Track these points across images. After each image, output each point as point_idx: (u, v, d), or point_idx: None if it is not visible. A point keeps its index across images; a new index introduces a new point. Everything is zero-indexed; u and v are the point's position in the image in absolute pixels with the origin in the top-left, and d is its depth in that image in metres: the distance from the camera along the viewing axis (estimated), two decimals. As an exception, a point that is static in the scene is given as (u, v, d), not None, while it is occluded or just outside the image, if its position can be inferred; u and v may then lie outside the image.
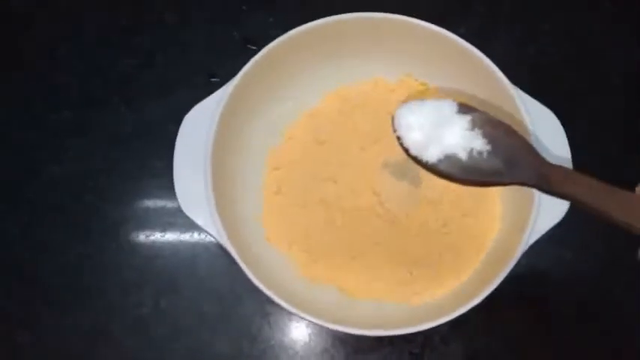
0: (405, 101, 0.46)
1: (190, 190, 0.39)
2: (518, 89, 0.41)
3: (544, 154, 0.39)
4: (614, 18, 0.55)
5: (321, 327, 0.45)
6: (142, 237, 0.48)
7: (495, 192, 0.44)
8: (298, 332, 0.46)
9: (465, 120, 0.34)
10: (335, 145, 0.46)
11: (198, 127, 0.40)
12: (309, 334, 0.46)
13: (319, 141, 0.46)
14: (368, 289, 0.43)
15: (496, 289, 0.37)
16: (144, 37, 0.53)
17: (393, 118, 0.36)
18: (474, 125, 0.34)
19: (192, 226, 0.42)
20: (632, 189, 0.33)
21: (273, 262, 0.43)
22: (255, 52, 0.41)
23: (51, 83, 0.52)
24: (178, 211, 0.39)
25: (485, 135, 0.34)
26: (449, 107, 0.35)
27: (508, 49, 0.52)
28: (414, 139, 0.34)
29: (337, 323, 0.36)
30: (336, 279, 0.43)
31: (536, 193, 0.38)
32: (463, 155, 0.33)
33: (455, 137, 0.34)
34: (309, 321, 0.37)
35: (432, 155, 0.34)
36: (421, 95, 0.47)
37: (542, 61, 0.53)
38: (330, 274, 0.43)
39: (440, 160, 0.34)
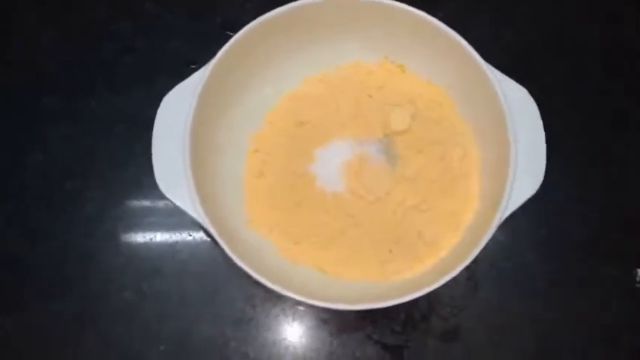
0: (383, 84, 0.47)
1: (170, 172, 0.39)
2: (493, 68, 0.42)
3: (518, 133, 0.40)
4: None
5: (304, 308, 0.46)
6: (125, 223, 0.48)
7: (474, 169, 0.45)
8: (282, 314, 0.46)
9: None
10: (315, 126, 0.46)
11: (176, 109, 0.40)
12: (292, 316, 0.46)
13: (299, 122, 0.46)
14: (349, 268, 0.43)
15: (474, 264, 0.37)
16: (124, 25, 0.54)
17: None
18: None
19: (173, 210, 0.42)
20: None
21: (255, 244, 0.43)
22: (233, 38, 0.42)
23: (33, 70, 0.52)
24: (160, 196, 0.40)
25: None
26: None
27: (485, 32, 0.53)
28: None
29: (318, 299, 0.37)
30: (318, 260, 0.43)
31: (511, 168, 0.39)
32: None
33: None
34: (292, 298, 0.37)
35: None
36: (399, 77, 0.47)
37: (518, 42, 0.54)
38: (311, 255, 0.44)
39: None
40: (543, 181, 0.39)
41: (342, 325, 0.46)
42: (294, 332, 0.46)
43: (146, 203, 0.49)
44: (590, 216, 0.49)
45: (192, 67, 0.50)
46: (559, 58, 0.53)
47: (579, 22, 0.55)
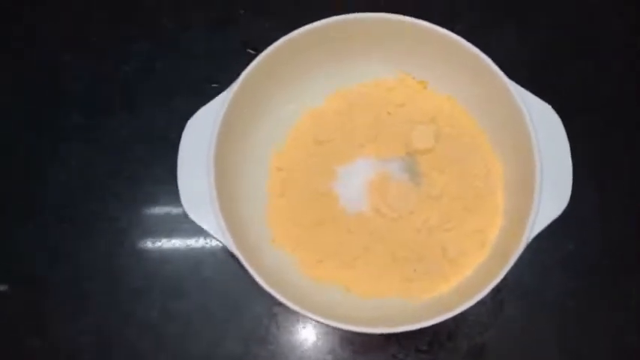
0: (404, 101, 0.47)
1: (195, 195, 0.39)
2: (516, 84, 0.41)
3: (543, 150, 0.39)
4: (613, 7, 0.55)
5: (328, 327, 0.45)
6: (148, 243, 0.48)
7: (497, 186, 0.44)
8: (305, 333, 0.46)
9: None
10: (336, 144, 0.46)
11: (200, 132, 0.40)
12: (317, 334, 0.46)
13: (320, 141, 0.46)
14: (373, 287, 0.43)
15: (501, 283, 0.37)
16: (143, 43, 0.54)
17: None
18: None
19: (197, 230, 0.42)
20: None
21: (279, 263, 0.43)
22: (254, 57, 0.42)
23: (55, 89, 0.53)
24: (183, 216, 0.40)
25: None
26: None
27: (505, 45, 0.52)
28: None
29: (343, 322, 0.37)
30: (342, 278, 0.43)
31: (537, 185, 0.38)
32: None
33: None
34: (316, 320, 0.37)
35: None
36: (420, 94, 0.47)
37: (539, 55, 0.53)
38: (335, 273, 0.43)
39: None
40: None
41: (367, 345, 0.46)
42: (317, 351, 0.46)
43: (169, 224, 0.49)
44: (616, 230, 0.48)
45: (214, 86, 0.51)
46: (581, 72, 0.53)
47: (602, 33, 0.54)
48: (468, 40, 0.42)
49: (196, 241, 0.48)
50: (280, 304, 0.37)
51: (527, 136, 0.40)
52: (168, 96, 0.51)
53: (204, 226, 0.39)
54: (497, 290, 0.46)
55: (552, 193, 0.39)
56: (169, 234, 0.49)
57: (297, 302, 0.37)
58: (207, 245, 0.48)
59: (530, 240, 0.38)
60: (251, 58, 0.42)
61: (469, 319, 0.46)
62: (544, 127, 0.40)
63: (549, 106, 0.41)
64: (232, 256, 0.38)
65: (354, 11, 0.43)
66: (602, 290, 0.47)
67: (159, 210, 0.49)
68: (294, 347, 0.46)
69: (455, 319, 0.43)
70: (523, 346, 0.46)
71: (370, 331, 0.37)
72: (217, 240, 0.39)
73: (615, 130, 0.51)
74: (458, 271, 0.42)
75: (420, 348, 0.45)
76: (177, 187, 0.40)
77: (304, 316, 0.37)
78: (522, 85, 0.42)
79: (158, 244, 0.48)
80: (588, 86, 0.52)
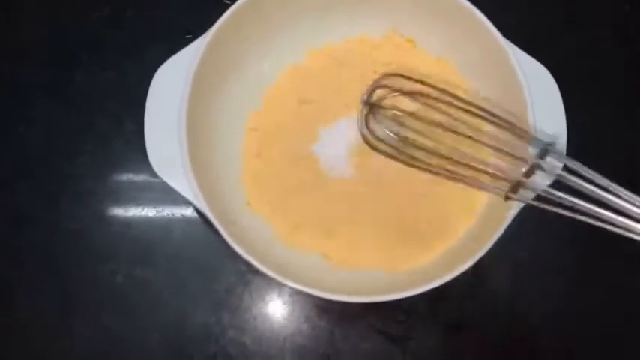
0: (391, 60, 0.44)
1: (164, 152, 0.37)
2: (512, 45, 0.39)
3: (537, 112, 0.37)
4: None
5: (304, 295, 0.44)
6: (115, 205, 0.46)
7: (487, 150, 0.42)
8: (280, 301, 0.45)
9: None
10: (318, 104, 0.44)
11: (170, 84, 0.37)
12: (292, 302, 0.45)
13: (302, 100, 0.44)
14: (353, 256, 0.41)
15: (485, 254, 0.35)
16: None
17: None
18: None
19: (167, 192, 0.40)
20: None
21: (254, 228, 0.41)
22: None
23: (17, 40, 0.49)
24: (152, 176, 0.37)
25: None
26: None
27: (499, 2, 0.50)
28: None
29: (320, 289, 0.35)
30: (320, 246, 0.41)
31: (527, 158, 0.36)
32: None
33: None
34: (291, 287, 0.35)
35: None
36: (408, 53, 0.44)
37: (534, 13, 0.51)
38: (313, 240, 0.42)
39: None
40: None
41: (344, 314, 0.44)
42: (293, 320, 0.44)
43: (138, 183, 0.46)
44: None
45: (188, 37, 0.47)
46: (576, 32, 0.51)
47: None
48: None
49: (166, 204, 0.46)
50: (255, 271, 0.35)
51: (523, 100, 0.38)
52: (139, 48, 0.48)
53: (174, 185, 0.36)
54: (480, 260, 0.45)
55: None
56: (137, 196, 0.46)
57: (273, 268, 0.35)
58: (178, 209, 0.46)
59: (518, 211, 0.36)
60: (227, 8, 0.39)
61: (449, 289, 0.44)
62: (539, 89, 0.38)
63: (545, 68, 0.39)
64: (205, 221, 0.36)
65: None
66: (592, 264, 0.46)
67: (127, 170, 0.47)
68: (268, 316, 0.44)
69: (436, 288, 0.41)
70: (505, 319, 0.45)
71: (346, 299, 0.35)
72: (189, 202, 0.37)
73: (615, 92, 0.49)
74: (441, 242, 0.41)
75: (399, 318, 0.44)
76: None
77: (280, 283, 0.35)
78: (515, 44, 0.39)
79: (125, 206, 0.46)
80: (585, 49, 0.50)
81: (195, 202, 0.36)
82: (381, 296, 0.35)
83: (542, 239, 0.46)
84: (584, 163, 0.44)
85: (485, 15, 0.39)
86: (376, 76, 0.44)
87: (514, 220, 0.36)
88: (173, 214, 0.46)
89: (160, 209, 0.46)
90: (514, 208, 0.36)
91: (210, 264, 0.45)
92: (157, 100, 0.37)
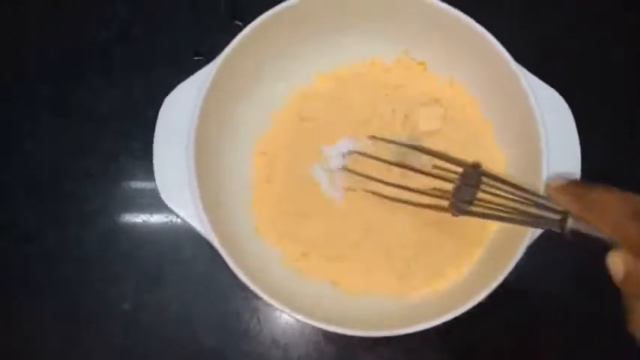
0: (403, 83, 0.43)
1: (172, 180, 0.36)
2: (524, 69, 0.38)
3: (550, 137, 0.36)
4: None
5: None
6: (122, 223, 0.46)
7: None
8: (289, 327, 0.44)
9: None
10: (327, 126, 0.43)
11: (179, 110, 0.37)
12: (301, 329, 0.44)
13: (313, 123, 0.43)
14: (363, 283, 0.40)
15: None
16: (122, 7, 0.49)
17: None
18: None
19: (173, 215, 0.39)
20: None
21: (263, 254, 0.40)
22: (242, 29, 0.38)
23: (25, 57, 0.49)
24: (159, 200, 0.37)
25: None
26: None
27: (510, 25, 0.49)
28: None
29: (330, 322, 0.34)
30: (330, 273, 0.41)
31: (540, 184, 0.36)
32: None
33: None
34: (300, 320, 0.34)
35: None
36: (419, 75, 0.44)
37: (545, 37, 0.50)
38: (322, 267, 0.41)
39: None
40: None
41: (354, 343, 0.43)
42: (301, 346, 0.43)
43: (145, 202, 0.46)
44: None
45: (197, 58, 0.47)
46: (587, 53, 0.50)
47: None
48: (472, 17, 0.38)
49: (174, 223, 0.45)
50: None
51: (534, 122, 0.37)
52: (146, 67, 0.47)
53: (182, 214, 0.36)
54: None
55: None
56: (145, 215, 0.46)
57: (280, 298, 0.34)
58: (186, 228, 0.45)
59: (532, 241, 0.35)
60: (238, 31, 0.38)
61: (461, 316, 0.43)
62: (552, 114, 0.37)
63: (558, 94, 0.38)
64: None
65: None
66: (603, 292, 0.44)
67: (134, 187, 0.46)
68: (276, 342, 0.43)
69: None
70: (517, 346, 0.44)
71: (358, 334, 0.34)
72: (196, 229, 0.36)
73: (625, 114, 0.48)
74: (455, 270, 0.40)
75: (410, 347, 0.43)
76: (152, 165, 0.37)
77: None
78: (527, 68, 0.38)
79: (132, 224, 0.46)
80: (596, 70, 0.49)
81: (202, 231, 0.36)
82: (392, 330, 0.34)
83: (553, 265, 0.45)
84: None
85: (497, 39, 0.38)
86: (386, 99, 0.43)
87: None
88: (181, 235, 0.45)
89: (167, 230, 0.45)
90: (528, 236, 0.35)
91: (219, 286, 0.44)
92: (166, 126, 0.37)
